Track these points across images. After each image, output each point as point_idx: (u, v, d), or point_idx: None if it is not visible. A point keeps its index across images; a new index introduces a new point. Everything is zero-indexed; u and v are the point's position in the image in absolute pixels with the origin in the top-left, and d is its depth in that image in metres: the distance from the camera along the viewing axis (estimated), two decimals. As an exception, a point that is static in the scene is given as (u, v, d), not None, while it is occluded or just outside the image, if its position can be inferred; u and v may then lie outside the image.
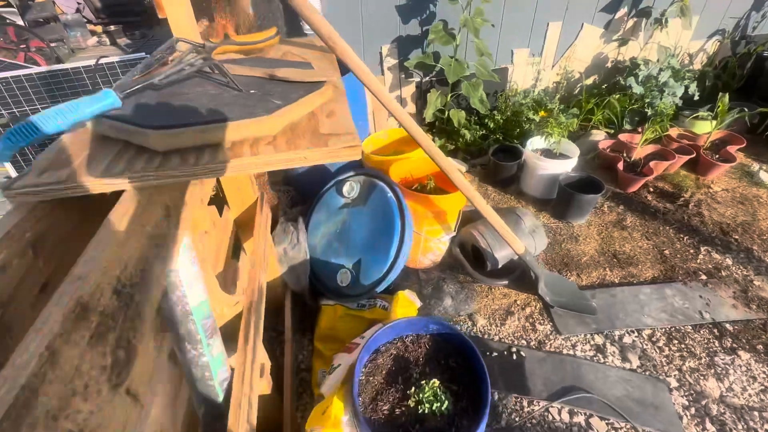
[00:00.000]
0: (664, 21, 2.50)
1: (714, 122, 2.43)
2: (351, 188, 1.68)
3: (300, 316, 1.64)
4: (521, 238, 1.66)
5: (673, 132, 2.53)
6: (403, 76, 2.53)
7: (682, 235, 1.99)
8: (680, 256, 1.88)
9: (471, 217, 1.90)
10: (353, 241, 1.60)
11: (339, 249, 1.62)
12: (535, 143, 2.27)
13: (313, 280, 1.64)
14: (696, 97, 2.60)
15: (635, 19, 2.70)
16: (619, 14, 2.68)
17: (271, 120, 0.64)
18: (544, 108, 2.54)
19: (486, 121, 2.53)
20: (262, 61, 0.89)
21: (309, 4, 1.02)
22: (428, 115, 2.39)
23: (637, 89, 2.42)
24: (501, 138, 2.54)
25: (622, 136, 2.47)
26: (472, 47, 2.34)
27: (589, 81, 2.97)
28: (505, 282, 1.75)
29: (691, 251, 1.90)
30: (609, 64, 2.92)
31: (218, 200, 1.21)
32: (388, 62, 2.45)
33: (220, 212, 1.13)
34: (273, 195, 1.83)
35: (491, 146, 2.45)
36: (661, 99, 2.42)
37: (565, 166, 2.09)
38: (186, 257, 0.64)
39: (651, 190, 2.28)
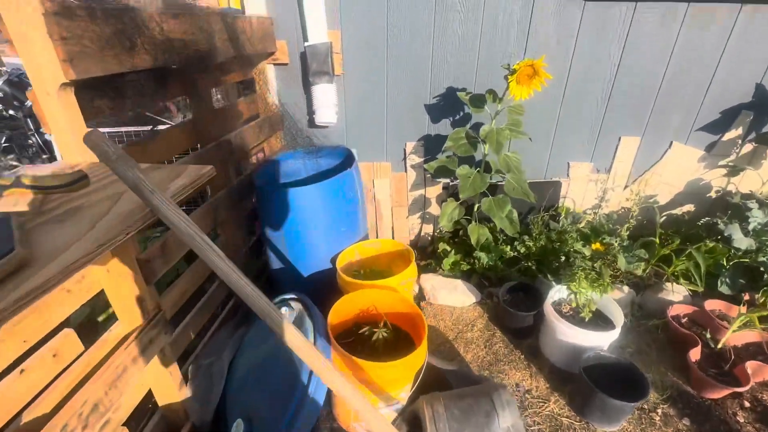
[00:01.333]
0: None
1: None
2: (286, 313, 1.40)
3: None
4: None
5: None
6: (429, 175, 2.24)
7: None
8: None
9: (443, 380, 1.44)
10: (261, 385, 1.28)
11: (249, 390, 1.32)
12: (561, 292, 1.71)
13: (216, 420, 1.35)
14: None
15: (754, 144, 2.01)
16: (729, 135, 2.03)
17: None
18: (600, 239, 1.97)
19: (516, 243, 2.05)
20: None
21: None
22: (443, 224, 2.02)
23: (742, 242, 1.70)
24: (534, 267, 2.02)
25: (711, 304, 1.74)
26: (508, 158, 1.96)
27: (680, 211, 2.27)
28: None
29: None
30: (712, 194, 2.21)
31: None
32: (412, 160, 2.20)
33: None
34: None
35: (513, 278, 1.95)
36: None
37: (599, 340, 1.49)
38: None
39: (746, 405, 1.49)
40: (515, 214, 1.98)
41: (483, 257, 1.97)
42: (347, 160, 1.96)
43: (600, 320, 1.62)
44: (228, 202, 1.57)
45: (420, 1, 1.78)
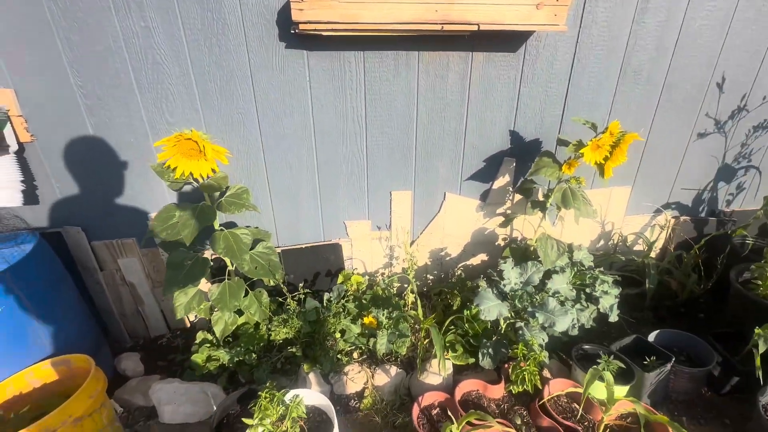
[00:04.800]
0: (546, 207, 1.69)
1: (626, 387, 1.45)
2: None
3: None
4: None
5: (555, 386, 1.54)
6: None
7: None
8: None
9: None
10: None
11: None
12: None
13: None
14: (613, 318, 1.66)
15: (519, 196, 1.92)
16: (498, 183, 1.92)
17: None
18: (369, 310, 1.72)
19: (274, 326, 1.72)
20: None
21: None
22: (179, 315, 1.64)
23: (490, 312, 1.53)
24: (300, 353, 1.69)
25: (468, 385, 1.53)
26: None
27: (475, 261, 2.13)
28: None
29: None
30: (500, 242, 2.10)
31: None
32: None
33: None
34: None
35: (260, 375, 1.61)
36: (529, 329, 1.52)
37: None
38: None
39: None
40: (264, 296, 1.67)
41: (222, 356, 1.61)
42: (34, 247, 1.52)
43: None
44: None
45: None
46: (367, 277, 1.97)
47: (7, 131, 1.50)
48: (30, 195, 1.62)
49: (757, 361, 1.37)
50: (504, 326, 1.64)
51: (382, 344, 1.60)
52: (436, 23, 1.40)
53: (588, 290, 1.73)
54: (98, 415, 1.33)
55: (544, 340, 1.52)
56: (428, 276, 2.14)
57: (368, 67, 1.61)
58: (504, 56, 1.66)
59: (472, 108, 1.74)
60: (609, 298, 1.68)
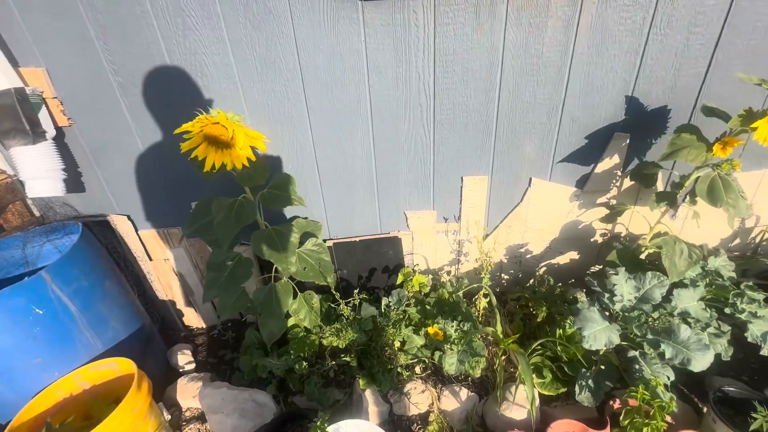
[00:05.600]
0: (678, 202, 1.25)
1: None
2: None
3: None
4: None
5: None
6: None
7: None
8: None
9: None
10: None
11: None
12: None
13: None
14: (766, 351, 1.23)
15: (631, 180, 1.47)
16: (603, 166, 1.49)
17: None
18: (435, 319, 1.45)
19: (326, 333, 1.51)
20: None
21: None
22: (224, 314, 1.50)
23: (597, 340, 1.17)
24: (355, 363, 1.48)
25: (560, 426, 1.22)
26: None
27: (564, 259, 1.75)
28: None
29: None
30: (597, 238, 1.68)
31: None
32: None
33: None
34: None
35: (311, 389, 1.42)
36: (648, 361, 1.14)
37: None
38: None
39: None
40: (315, 299, 1.46)
41: (270, 365, 1.44)
42: (79, 241, 1.42)
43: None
44: None
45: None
46: (430, 277, 1.69)
47: (43, 115, 1.37)
48: (74, 183, 1.53)
49: None
50: (611, 352, 1.29)
51: (451, 364, 1.33)
52: (542, -55, 0.99)
53: (728, 310, 1.30)
54: (144, 426, 1.23)
55: (669, 378, 1.15)
56: (503, 275, 1.81)
57: (440, 19, 1.25)
58: (630, -9, 1.20)
59: (576, 67, 1.32)
60: (761, 324, 1.25)
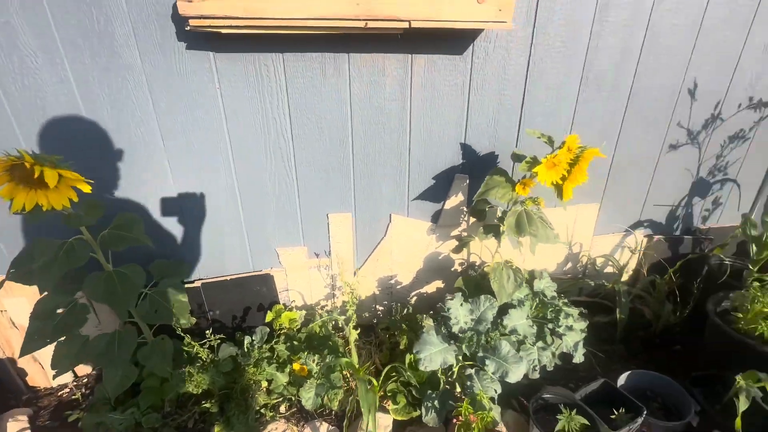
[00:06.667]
0: (501, 233, 1.47)
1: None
2: None
3: None
4: None
5: None
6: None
7: None
8: None
9: None
10: None
11: None
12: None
13: None
14: (578, 359, 1.45)
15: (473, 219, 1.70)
16: (450, 203, 1.70)
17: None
18: (301, 353, 1.46)
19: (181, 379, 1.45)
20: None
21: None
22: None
23: (432, 361, 1.29)
24: (216, 410, 1.42)
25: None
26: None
27: (431, 288, 1.90)
28: None
29: None
30: (456, 267, 1.87)
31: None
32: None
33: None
34: None
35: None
36: (481, 378, 1.28)
37: None
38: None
39: None
40: (168, 344, 1.40)
41: (113, 423, 1.32)
42: None
43: None
44: None
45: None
46: (303, 312, 1.71)
47: None
48: None
49: (737, 423, 1.16)
50: (456, 372, 1.41)
51: (308, 399, 1.35)
52: (359, 19, 1.17)
53: (551, 326, 1.51)
54: None
55: (497, 391, 1.29)
56: (377, 307, 1.90)
57: (290, 72, 1.37)
58: (449, 59, 1.44)
59: (415, 119, 1.52)
60: (574, 335, 1.47)
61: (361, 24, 1.17)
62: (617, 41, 1.50)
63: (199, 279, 1.66)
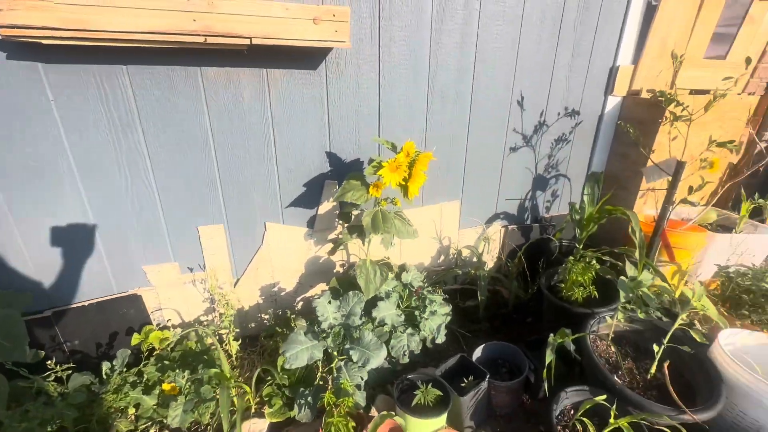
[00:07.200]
0: (365, 233, 1.60)
1: (443, 416, 1.39)
2: None
3: None
4: None
5: (382, 428, 1.44)
6: None
7: None
8: None
9: None
10: None
11: None
12: None
13: None
14: (440, 339, 1.63)
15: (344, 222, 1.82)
16: (324, 208, 1.79)
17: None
18: (172, 372, 1.41)
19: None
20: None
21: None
22: None
23: (297, 359, 1.36)
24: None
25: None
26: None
27: (317, 292, 1.97)
28: None
29: None
30: (339, 269, 1.97)
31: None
32: None
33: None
34: None
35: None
36: (349, 368, 1.38)
37: None
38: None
39: None
40: (2, 383, 1.26)
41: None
42: None
43: None
44: None
45: None
46: (179, 330, 1.66)
47: None
48: None
49: (544, 373, 1.41)
50: (331, 367, 1.48)
51: (174, 416, 1.31)
52: (198, 35, 1.21)
53: (417, 313, 1.67)
54: None
55: (363, 378, 1.40)
56: (263, 316, 1.91)
57: (137, 84, 1.35)
58: (304, 74, 1.54)
59: (278, 129, 1.59)
60: (437, 319, 1.64)
61: (201, 39, 1.21)
62: (453, 60, 1.75)
63: (52, 308, 1.51)
